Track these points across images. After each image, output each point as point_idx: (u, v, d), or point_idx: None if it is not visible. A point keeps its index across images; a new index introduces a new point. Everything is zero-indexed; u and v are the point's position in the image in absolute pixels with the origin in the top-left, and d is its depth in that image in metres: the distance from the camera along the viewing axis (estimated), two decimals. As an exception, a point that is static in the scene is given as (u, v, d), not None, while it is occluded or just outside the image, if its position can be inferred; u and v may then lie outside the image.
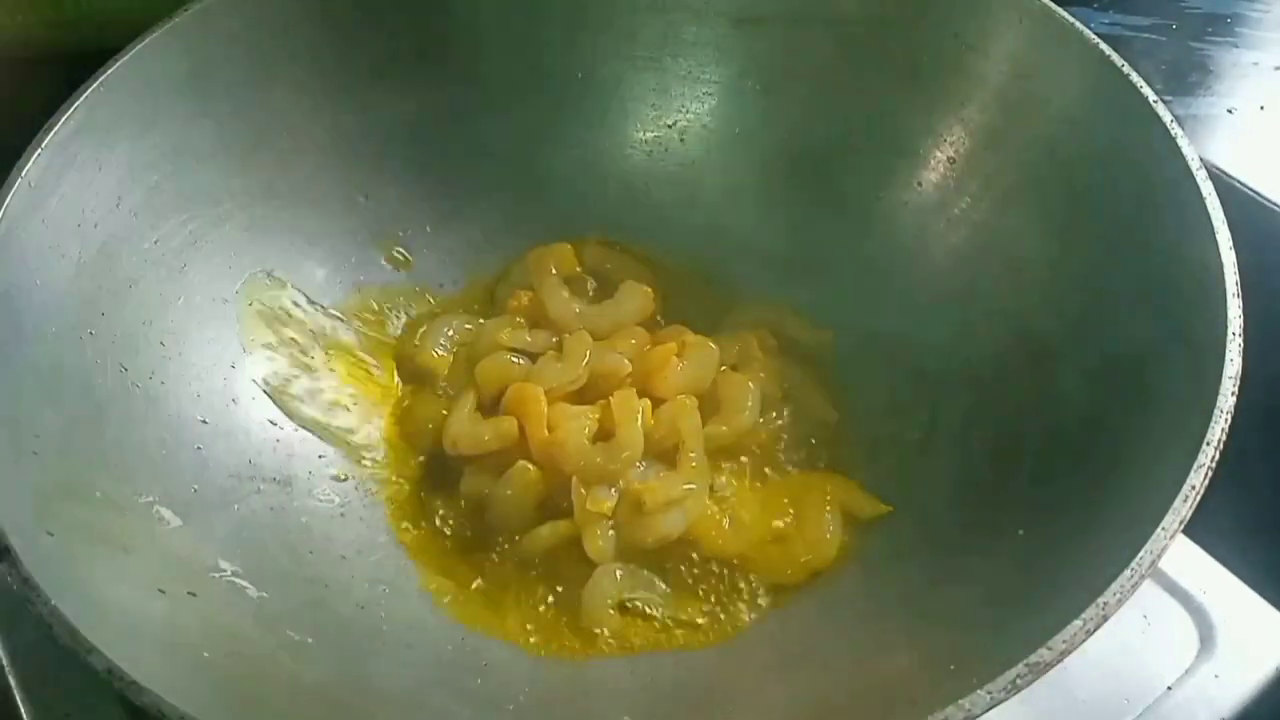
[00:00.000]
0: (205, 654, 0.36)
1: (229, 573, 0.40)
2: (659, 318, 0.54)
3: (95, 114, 0.43)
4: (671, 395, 0.49)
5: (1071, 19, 0.45)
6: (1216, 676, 0.45)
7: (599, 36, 0.54)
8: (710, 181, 0.56)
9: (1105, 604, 0.31)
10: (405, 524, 0.48)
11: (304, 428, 0.49)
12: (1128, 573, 0.32)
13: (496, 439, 0.48)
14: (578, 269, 0.55)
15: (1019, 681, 0.30)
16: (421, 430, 0.50)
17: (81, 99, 0.42)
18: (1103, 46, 0.44)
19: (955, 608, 0.40)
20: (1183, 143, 0.40)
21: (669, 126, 0.56)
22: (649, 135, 0.56)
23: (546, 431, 0.47)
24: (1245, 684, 0.45)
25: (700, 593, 0.46)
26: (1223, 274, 0.37)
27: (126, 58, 0.44)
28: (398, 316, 0.54)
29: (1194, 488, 0.33)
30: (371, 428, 0.51)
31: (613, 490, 0.46)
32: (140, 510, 0.40)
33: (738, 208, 0.55)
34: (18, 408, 0.37)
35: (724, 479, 0.48)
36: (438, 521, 0.48)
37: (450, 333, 0.53)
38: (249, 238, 0.49)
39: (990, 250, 0.48)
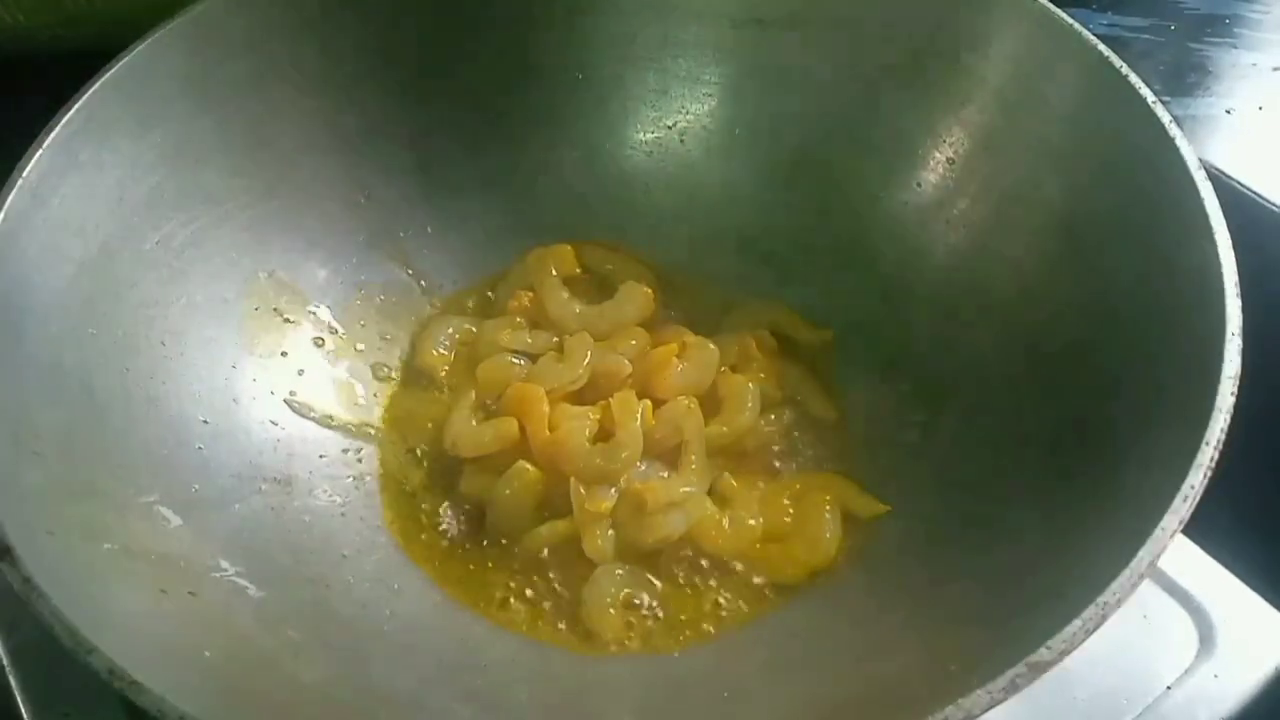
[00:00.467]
0: (205, 654, 0.36)
1: (229, 573, 0.40)
2: (662, 315, 0.54)
3: (95, 114, 0.43)
4: (672, 396, 0.49)
5: (1071, 19, 0.45)
6: (1216, 676, 0.45)
7: (599, 37, 0.54)
8: (710, 182, 0.56)
9: (1105, 604, 0.31)
10: (405, 524, 0.48)
11: (304, 428, 0.49)
12: (1128, 573, 0.32)
13: (496, 440, 0.48)
14: (577, 269, 0.55)
15: (1019, 681, 0.30)
16: (422, 430, 0.51)
17: (81, 99, 0.42)
18: (1102, 47, 0.44)
19: (955, 608, 0.40)
20: (1182, 143, 0.40)
21: (669, 127, 0.56)
22: (649, 136, 0.56)
23: (547, 432, 0.48)
24: (1245, 684, 0.45)
25: (700, 593, 0.46)
26: (1222, 274, 0.37)
27: (126, 58, 0.44)
28: (398, 317, 0.54)
29: (1194, 488, 0.33)
30: (372, 428, 0.51)
31: (612, 490, 0.46)
32: (140, 510, 0.40)
33: (738, 208, 0.55)
34: (18, 408, 0.37)
35: (724, 479, 0.48)
36: (438, 521, 0.48)
37: (450, 332, 0.53)
38: (249, 238, 0.49)
39: (990, 250, 0.49)
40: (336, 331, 0.52)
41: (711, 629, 0.45)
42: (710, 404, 0.50)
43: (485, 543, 0.47)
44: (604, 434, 0.48)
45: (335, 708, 0.37)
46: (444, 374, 0.52)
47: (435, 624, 0.45)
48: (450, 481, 0.49)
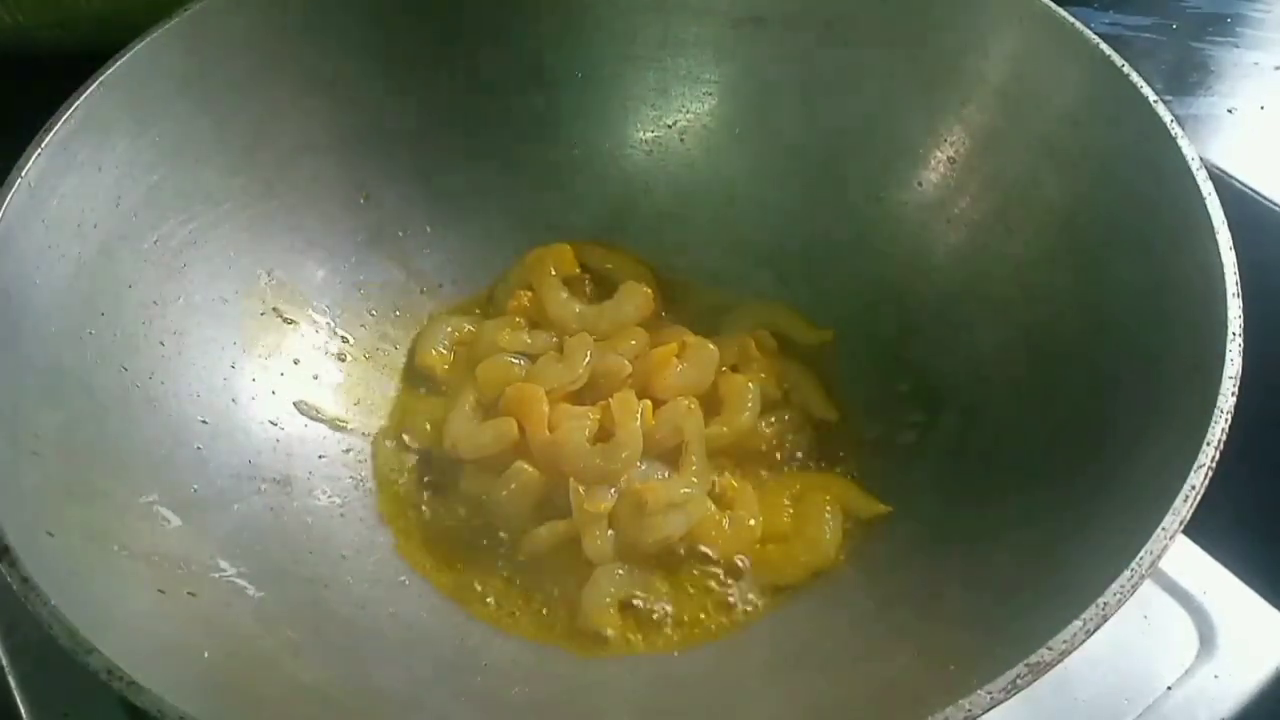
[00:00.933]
0: (205, 654, 0.36)
1: (228, 573, 0.40)
2: (662, 315, 0.54)
3: (95, 114, 0.43)
4: (672, 396, 0.49)
5: (1071, 19, 0.45)
6: (1216, 676, 0.45)
7: (599, 36, 0.54)
8: (710, 182, 0.56)
9: (1105, 604, 0.31)
10: (405, 524, 0.48)
11: (304, 427, 0.49)
12: (1128, 573, 0.32)
13: (496, 441, 0.48)
14: (577, 269, 0.55)
15: (1019, 681, 0.30)
16: (421, 430, 0.50)
17: (81, 99, 0.42)
18: (1103, 46, 0.44)
19: (954, 608, 0.40)
20: (1183, 143, 0.40)
21: (669, 126, 0.56)
22: (649, 135, 0.56)
23: (547, 432, 0.47)
24: (1245, 684, 0.45)
25: (700, 593, 0.46)
26: (1223, 274, 0.37)
27: (126, 58, 0.44)
28: (397, 317, 0.54)
29: (1194, 488, 0.33)
30: (371, 428, 0.51)
31: (612, 491, 0.46)
32: (140, 510, 0.40)
33: (737, 208, 0.55)
34: (18, 408, 0.37)
35: (724, 479, 0.48)
36: (437, 521, 0.48)
37: (450, 332, 0.53)
38: (249, 238, 0.49)
39: (990, 250, 0.48)
40: (335, 331, 0.52)
41: (711, 629, 0.45)
42: (710, 404, 0.50)
43: (485, 543, 0.47)
44: (604, 434, 0.48)
45: (335, 708, 0.37)
46: (444, 374, 0.52)
47: (434, 624, 0.44)
48: (450, 482, 0.49)
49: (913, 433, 0.49)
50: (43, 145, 0.41)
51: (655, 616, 0.45)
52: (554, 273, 0.54)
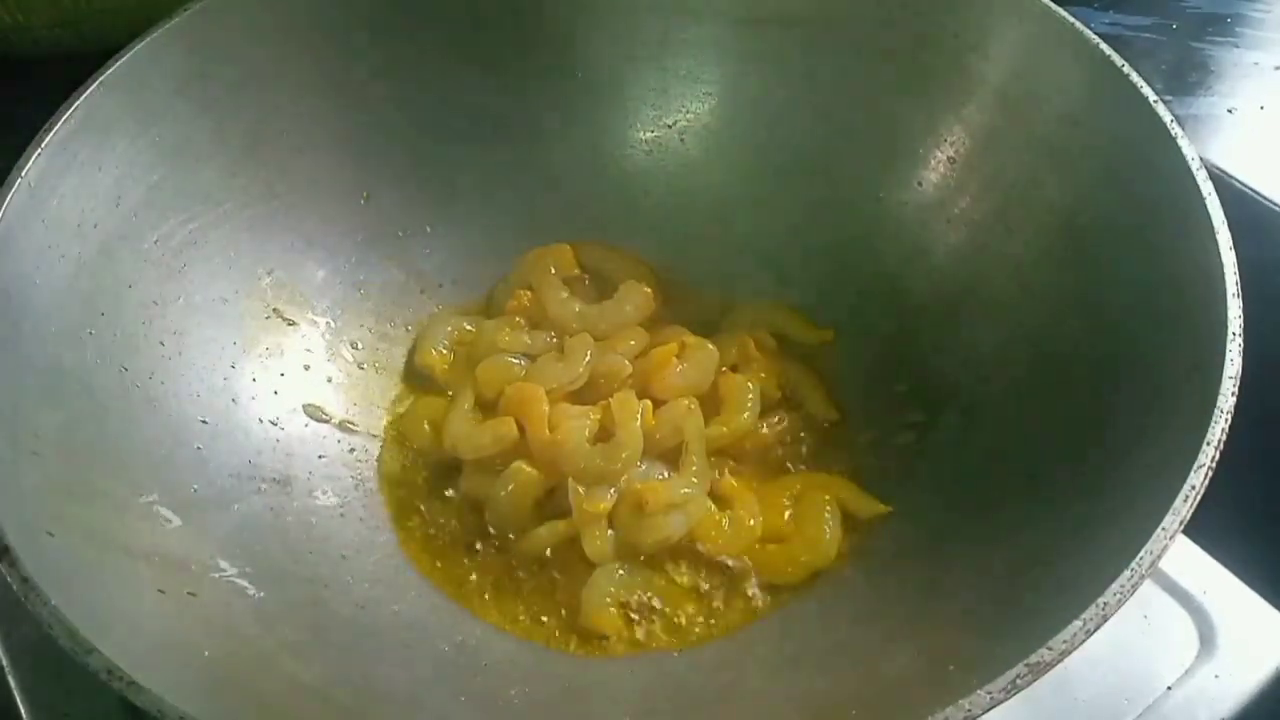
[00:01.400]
0: (205, 654, 0.36)
1: (229, 573, 0.40)
2: (662, 315, 0.54)
3: (95, 114, 0.43)
4: (672, 396, 0.49)
5: (1071, 19, 0.45)
6: (1216, 676, 0.45)
7: (599, 36, 0.54)
8: (710, 182, 0.56)
9: (1105, 604, 0.31)
10: (405, 523, 0.48)
11: (304, 427, 0.49)
12: (1128, 573, 0.32)
13: (495, 442, 0.48)
14: (577, 269, 0.55)
15: (1019, 681, 0.30)
16: (421, 430, 0.51)
17: (81, 99, 0.42)
18: (1103, 46, 0.44)
19: (955, 608, 0.40)
20: (1183, 143, 0.40)
21: (669, 126, 0.56)
22: (649, 135, 0.56)
23: (547, 432, 0.47)
24: (1245, 684, 0.45)
25: (700, 592, 0.46)
26: (1223, 274, 0.37)
27: (126, 58, 0.44)
28: (397, 317, 0.54)
29: (1194, 488, 0.33)
30: (371, 428, 0.51)
31: (611, 491, 0.46)
32: (140, 510, 0.40)
33: (738, 208, 0.55)
34: (18, 408, 0.37)
35: (724, 479, 0.48)
36: (437, 521, 0.48)
37: (450, 332, 0.53)
38: (249, 238, 0.49)
39: (990, 250, 0.48)
40: (336, 331, 0.52)
41: (711, 629, 0.45)
42: (710, 404, 0.50)
43: (485, 543, 0.47)
44: (604, 434, 0.48)
45: (335, 707, 0.37)
46: (444, 374, 0.52)
47: (434, 624, 0.45)
48: (450, 481, 0.49)
49: (913, 433, 0.49)
50: (43, 145, 0.41)
51: (655, 616, 0.45)
52: (554, 273, 0.54)
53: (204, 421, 0.45)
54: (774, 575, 0.46)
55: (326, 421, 0.50)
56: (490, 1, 0.53)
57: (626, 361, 0.50)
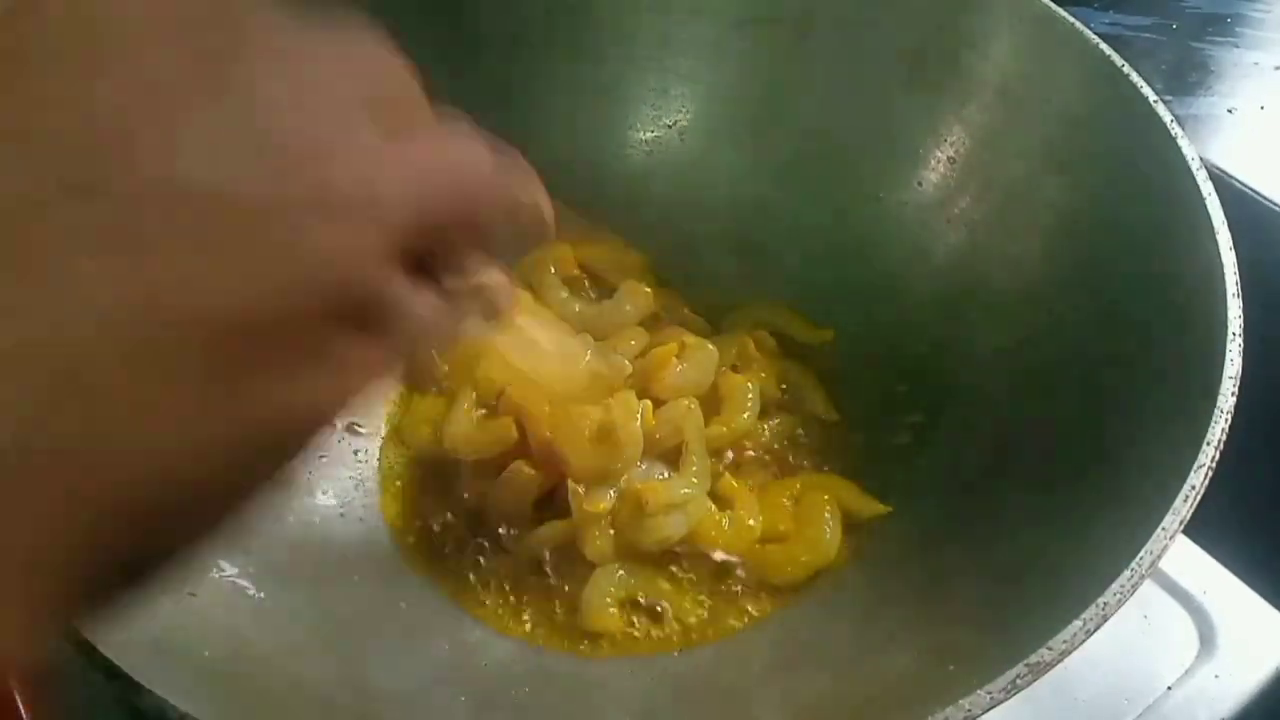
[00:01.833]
0: (205, 654, 0.36)
1: (229, 573, 0.40)
2: (661, 315, 0.54)
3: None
4: (671, 396, 0.49)
5: (1071, 19, 0.45)
6: (1216, 676, 0.45)
7: (599, 36, 0.54)
8: (710, 182, 0.56)
9: (1105, 604, 0.31)
10: (405, 523, 0.48)
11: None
12: (1128, 573, 0.32)
13: (494, 444, 0.48)
14: (576, 269, 0.55)
15: (1019, 681, 0.30)
16: (421, 430, 0.50)
17: (81, 99, 0.42)
18: (1103, 46, 0.44)
19: (954, 608, 0.40)
20: (1183, 143, 0.40)
21: (669, 126, 0.56)
22: (649, 135, 0.56)
23: (547, 432, 0.47)
24: (1245, 684, 0.45)
25: (700, 593, 0.46)
26: (1223, 274, 0.37)
27: (126, 58, 0.44)
28: (398, 316, 0.54)
29: (1194, 488, 0.33)
30: (371, 427, 0.51)
31: (611, 491, 0.46)
32: (140, 510, 0.40)
33: (737, 208, 0.55)
34: (18, 408, 0.37)
35: (724, 479, 0.48)
36: (437, 521, 0.48)
37: (450, 332, 0.53)
38: (249, 238, 0.49)
39: (990, 250, 0.48)
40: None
41: (711, 629, 0.45)
42: (710, 404, 0.50)
43: (485, 543, 0.47)
44: (603, 434, 0.48)
45: (335, 708, 0.37)
46: (444, 373, 0.52)
47: (435, 624, 0.44)
48: (450, 481, 0.49)
49: (912, 433, 0.49)
50: (43, 145, 0.41)
51: (655, 616, 0.45)
52: (554, 273, 0.54)
53: (204, 421, 0.45)
54: (774, 575, 0.46)
55: (326, 421, 0.50)
56: (490, 2, 0.53)
57: (627, 361, 0.50)
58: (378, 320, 0.20)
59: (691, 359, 0.50)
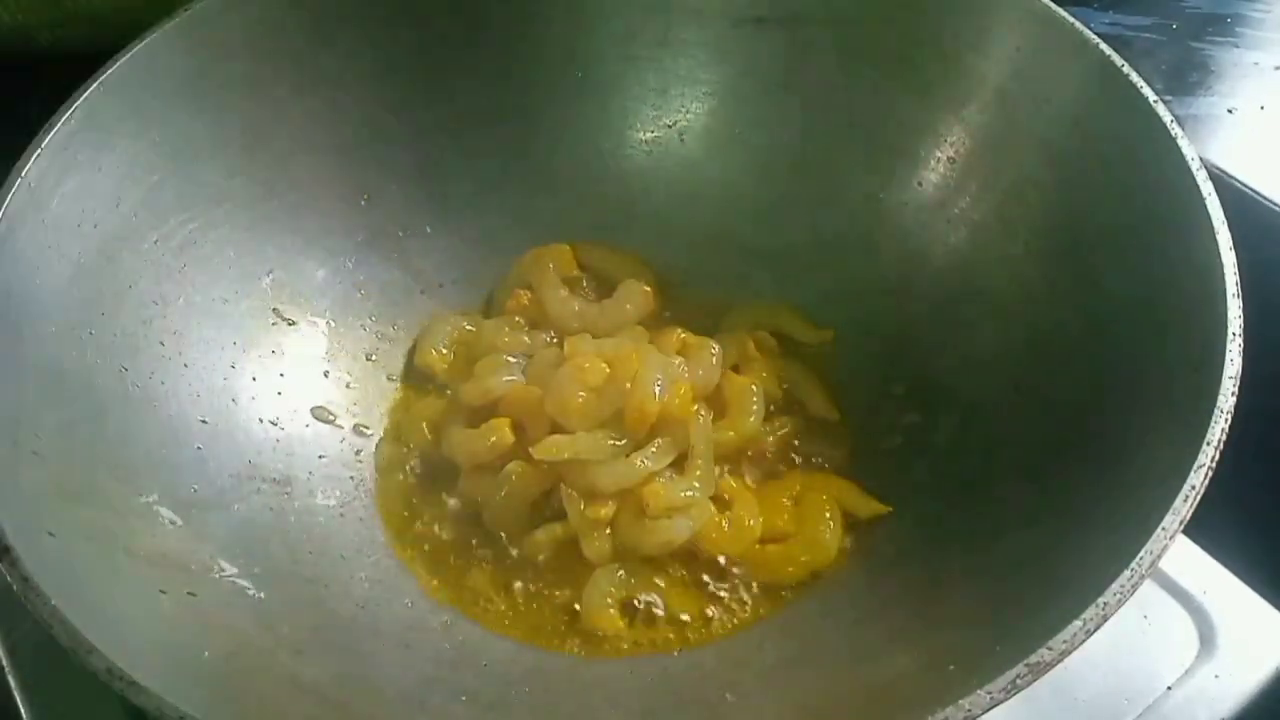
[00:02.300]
0: (205, 654, 0.36)
1: (229, 573, 0.40)
2: (661, 315, 0.54)
3: (95, 114, 0.43)
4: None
5: (1071, 19, 0.45)
6: (1216, 676, 0.45)
7: (599, 36, 0.54)
8: (710, 182, 0.56)
9: (1105, 604, 0.31)
10: (404, 524, 0.48)
11: (304, 428, 0.49)
12: (1128, 573, 0.32)
13: (490, 449, 0.48)
14: (576, 269, 0.55)
15: (1019, 681, 0.30)
16: (421, 431, 0.50)
17: (81, 99, 0.42)
18: (1103, 46, 0.44)
19: (954, 607, 0.40)
20: (1183, 143, 0.40)
21: (669, 126, 0.56)
22: (649, 135, 0.56)
23: (547, 433, 0.47)
24: (1245, 684, 0.45)
25: (700, 593, 0.46)
26: (1223, 274, 0.37)
27: (126, 58, 0.44)
28: (398, 317, 0.54)
29: (1194, 488, 0.33)
30: (371, 428, 0.51)
31: (610, 501, 0.46)
32: (140, 510, 0.40)
33: (737, 208, 0.55)
34: (18, 408, 0.37)
35: (724, 479, 0.48)
36: (437, 521, 0.48)
37: (450, 332, 0.53)
38: (249, 238, 0.49)
39: (990, 250, 0.48)
40: (335, 331, 0.52)
41: (711, 629, 0.45)
42: (713, 404, 0.50)
43: (484, 543, 0.47)
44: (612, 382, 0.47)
45: (335, 708, 0.37)
46: (444, 374, 0.52)
47: (434, 624, 0.45)
48: (449, 482, 0.49)
49: (912, 433, 0.49)
50: (43, 145, 0.41)
51: (655, 616, 0.45)
52: (554, 272, 0.54)
53: (204, 421, 0.45)
54: (774, 575, 0.46)
55: (327, 422, 0.50)
56: (490, 2, 0.53)
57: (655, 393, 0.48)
58: None
59: (697, 358, 0.50)
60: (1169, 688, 0.45)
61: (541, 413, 0.48)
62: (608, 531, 0.46)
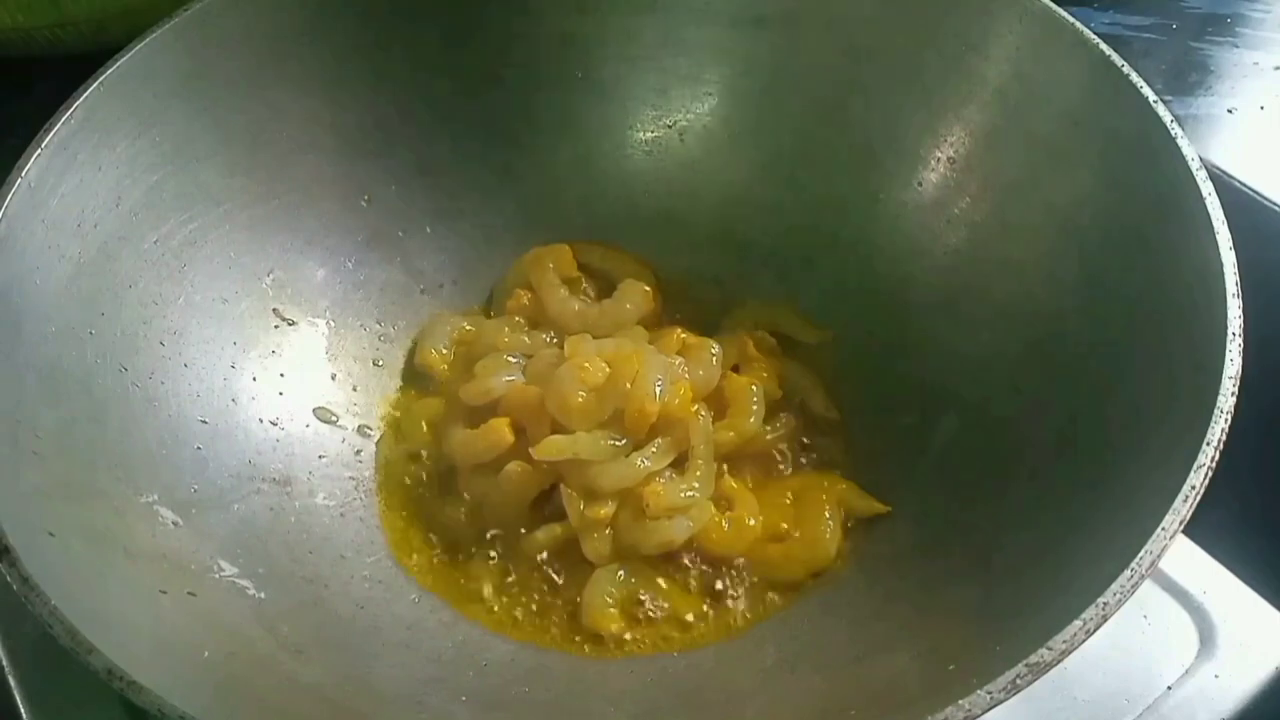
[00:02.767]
0: (205, 654, 0.36)
1: (228, 573, 0.40)
2: (661, 315, 0.54)
3: (95, 114, 0.43)
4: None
5: (1071, 19, 0.45)
6: (1216, 676, 0.45)
7: (599, 36, 0.54)
8: (710, 182, 0.56)
9: (1105, 604, 0.31)
10: (404, 524, 0.48)
11: (304, 427, 0.49)
12: (1128, 573, 0.32)
13: (489, 450, 0.48)
14: (576, 269, 0.55)
15: (1019, 681, 0.30)
16: (420, 431, 0.50)
17: (81, 99, 0.42)
18: (1103, 46, 0.44)
19: (955, 607, 0.40)
20: (1183, 143, 0.40)
21: (669, 127, 0.56)
22: (649, 135, 0.56)
23: (547, 433, 0.47)
24: (1245, 684, 0.45)
25: (700, 593, 0.46)
26: (1223, 274, 0.37)
27: (126, 58, 0.44)
28: (398, 317, 0.54)
29: (1194, 488, 0.33)
30: (371, 428, 0.51)
31: (609, 502, 0.46)
32: (140, 510, 0.40)
33: (737, 208, 0.55)
34: (18, 408, 0.37)
35: (724, 479, 0.48)
36: (436, 521, 0.48)
37: (450, 332, 0.53)
38: (249, 238, 0.49)
39: (990, 250, 0.48)
40: (335, 331, 0.52)
41: (711, 629, 0.45)
42: (713, 404, 0.50)
43: (484, 542, 0.47)
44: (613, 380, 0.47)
45: (335, 708, 0.37)
46: (444, 374, 0.52)
47: (434, 624, 0.45)
48: (449, 481, 0.49)
49: (912, 432, 0.49)
50: (43, 145, 0.41)
51: (655, 616, 0.45)
52: (554, 272, 0.54)
53: (204, 421, 0.45)
54: (774, 575, 0.46)
55: (327, 421, 0.50)
56: (490, 2, 0.53)
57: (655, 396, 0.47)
58: None
59: (697, 358, 0.50)
60: (1169, 688, 0.45)
61: (541, 413, 0.48)
62: (608, 531, 0.46)
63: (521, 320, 0.54)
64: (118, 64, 0.44)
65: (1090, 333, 0.43)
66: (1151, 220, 0.41)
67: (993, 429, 0.46)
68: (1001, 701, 0.30)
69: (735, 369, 0.52)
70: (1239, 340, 0.36)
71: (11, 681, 0.44)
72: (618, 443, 0.46)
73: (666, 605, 0.45)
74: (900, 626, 0.41)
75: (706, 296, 0.55)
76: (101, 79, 0.43)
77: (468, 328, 0.53)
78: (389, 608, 0.44)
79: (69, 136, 0.42)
